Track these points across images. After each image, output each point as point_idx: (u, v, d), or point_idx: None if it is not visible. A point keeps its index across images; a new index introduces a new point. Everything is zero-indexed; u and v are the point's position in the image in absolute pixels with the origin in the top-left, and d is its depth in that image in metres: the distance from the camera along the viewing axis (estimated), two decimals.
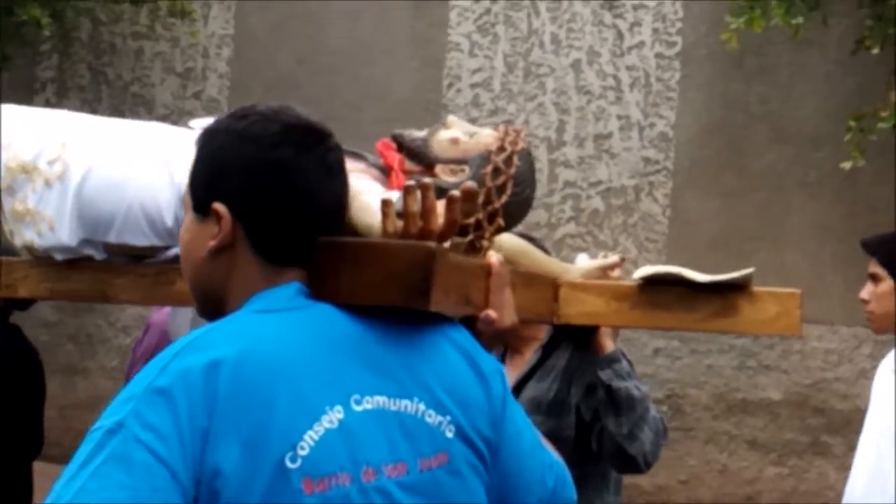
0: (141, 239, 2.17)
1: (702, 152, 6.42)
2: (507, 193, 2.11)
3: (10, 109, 2.29)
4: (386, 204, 1.59)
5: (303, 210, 1.50)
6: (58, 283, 2.20)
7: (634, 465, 2.43)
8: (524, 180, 2.15)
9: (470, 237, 2.13)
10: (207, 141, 1.55)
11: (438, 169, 2.14)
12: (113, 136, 2.23)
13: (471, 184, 1.63)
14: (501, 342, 1.76)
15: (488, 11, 6.63)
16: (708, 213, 6.38)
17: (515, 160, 2.13)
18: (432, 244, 1.50)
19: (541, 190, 6.59)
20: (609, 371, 2.47)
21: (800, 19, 5.06)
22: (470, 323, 1.73)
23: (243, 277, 1.50)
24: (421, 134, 2.21)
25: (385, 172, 2.16)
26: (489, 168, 2.12)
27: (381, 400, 1.45)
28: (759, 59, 6.27)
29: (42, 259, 2.22)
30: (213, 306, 1.53)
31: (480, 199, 2.11)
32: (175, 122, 6.73)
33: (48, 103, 6.73)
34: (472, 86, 6.65)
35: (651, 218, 6.51)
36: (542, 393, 2.63)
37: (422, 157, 2.16)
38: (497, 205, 2.11)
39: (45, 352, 7.02)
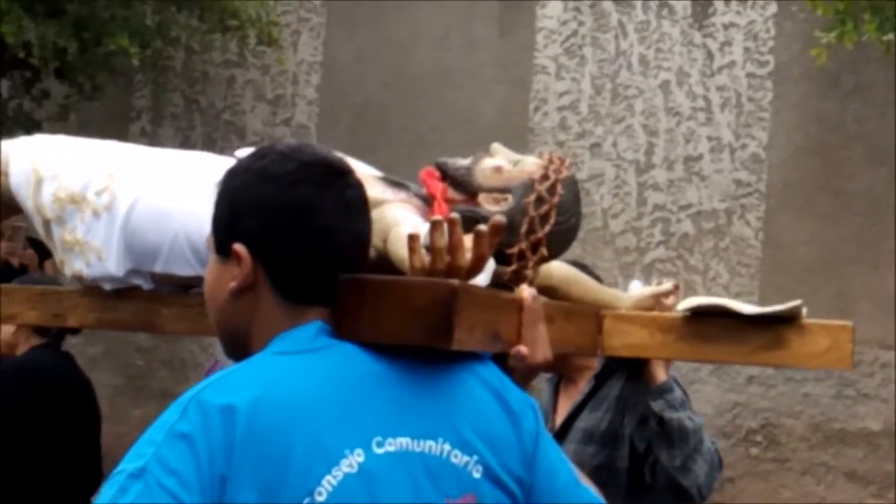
0: (186, 269, 2.18)
1: (796, 174, 6.26)
2: (551, 223, 2.08)
3: (59, 140, 2.33)
4: (412, 239, 1.57)
5: (322, 248, 1.49)
6: (105, 313, 2.22)
7: (688, 498, 2.37)
8: (569, 209, 2.11)
9: (514, 267, 2.10)
10: (228, 181, 1.55)
11: (481, 198, 2.12)
12: (159, 167, 2.25)
13: (499, 218, 1.60)
14: (535, 377, 1.73)
15: (575, 33, 6.58)
16: (802, 236, 6.22)
17: (559, 189, 2.10)
18: (454, 282, 1.47)
19: (629, 214, 6.51)
20: (661, 401, 2.42)
21: (891, 35, 4.90)
22: (503, 358, 1.70)
23: (265, 317, 1.49)
24: (465, 162, 2.18)
25: (427, 202, 2.14)
26: (532, 197, 2.09)
27: (404, 441, 1.43)
28: (854, 77, 6.11)
29: (91, 289, 2.25)
30: (237, 347, 1.53)
31: (524, 228, 2.08)
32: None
33: (143, 132, 6.88)
34: (559, 109, 6.61)
35: (743, 242, 6.37)
36: (595, 423, 2.59)
37: (465, 186, 2.14)
38: (540, 234, 2.08)
39: (140, 377, 7.15)
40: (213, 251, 1.55)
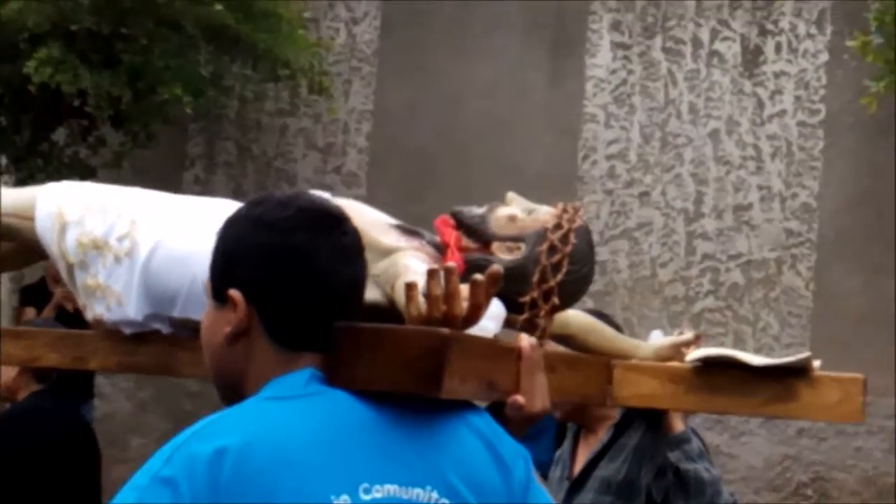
0: None
1: (847, 223, 6.19)
2: (563, 272, 2.07)
3: (84, 186, 2.38)
4: (410, 287, 1.57)
5: (316, 295, 1.50)
6: (125, 357, 2.25)
7: None
8: (581, 258, 2.10)
9: (525, 315, 2.10)
10: (226, 228, 1.57)
11: (495, 246, 2.12)
12: (179, 213, 2.28)
13: (497, 267, 1.60)
14: (530, 427, 1.73)
15: (624, 82, 6.59)
16: (854, 287, 6.13)
17: (572, 238, 2.09)
18: (446, 331, 1.48)
19: (678, 263, 6.47)
20: (678, 452, 2.41)
21: None
22: (501, 406, 1.69)
23: (259, 363, 1.50)
24: (480, 211, 2.19)
25: (441, 250, 2.14)
26: (545, 246, 2.09)
27: (391, 489, 1.43)
28: None
29: (112, 332, 2.28)
30: (232, 391, 1.54)
31: (535, 277, 2.07)
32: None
33: (197, 179, 6.99)
34: (608, 157, 6.60)
35: (794, 292, 6.30)
36: (613, 473, 2.57)
37: (479, 235, 2.14)
38: (552, 283, 2.07)
39: (189, 421, 7.20)
40: (209, 296, 1.57)
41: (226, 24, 5.85)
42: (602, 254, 6.59)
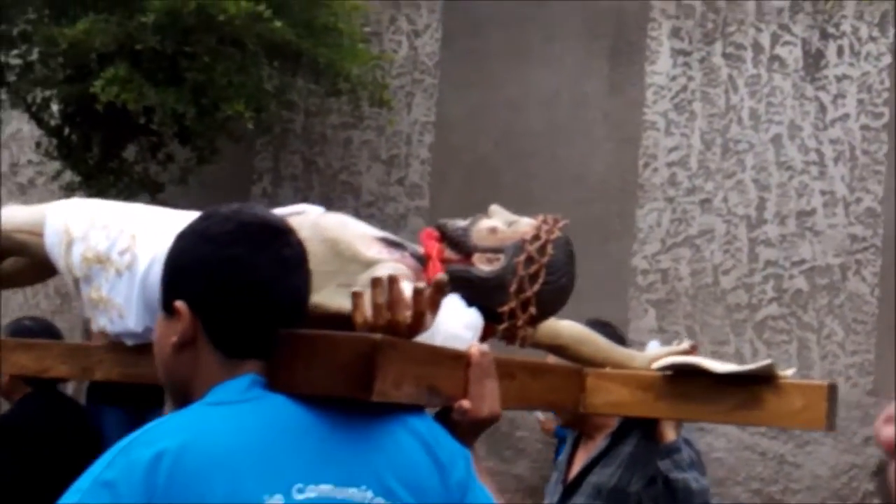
0: None
1: None
2: (540, 282, 2.11)
3: (90, 203, 2.48)
4: (356, 296, 1.64)
5: (258, 305, 1.57)
6: (128, 367, 2.34)
7: None
8: (559, 269, 2.14)
9: (505, 325, 2.14)
10: (176, 242, 1.65)
11: (476, 258, 2.17)
12: (177, 228, 2.36)
13: (442, 276, 1.66)
14: (481, 432, 1.77)
15: (685, 89, 6.55)
16: None
17: (549, 249, 2.13)
18: (377, 336, 1.53)
19: (741, 270, 6.40)
20: (668, 461, 2.43)
21: None
22: (449, 411, 1.74)
23: (205, 371, 1.58)
24: (463, 223, 2.24)
25: (424, 262, 2.19)
26: (522, 257, 2.13)
27: (325, 489, 1.49)
28: None
29: (116, 344, 2.37)
30: (181, 398, 1.62)
31: (513, 287, 2.11)
32: (381, 209, 6.98)
33: (265, 192, 7.12)
34: (669, 164, 6.57)
35: (859, 298, 6.19)
36: (605, 479, 2.61)
37: (461, 246, 2.19)
38: (529, 293, 2.11)
39: None
40: (160, 308, 1.64)
41: (287, 39, 5.96)
42: (664, 262, 6.55)
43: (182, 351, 1.59)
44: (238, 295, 1.56)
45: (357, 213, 7.00)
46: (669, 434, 2.47)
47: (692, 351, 2.42)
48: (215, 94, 5.89)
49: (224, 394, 1.54)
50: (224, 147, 6.44)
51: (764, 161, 6.39)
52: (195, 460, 1.43)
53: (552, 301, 2.15)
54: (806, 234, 6.30)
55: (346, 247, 2.16)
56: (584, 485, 2.63)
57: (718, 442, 6.37)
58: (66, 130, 6.27)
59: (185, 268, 1.60)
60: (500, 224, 2.21)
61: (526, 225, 2.19)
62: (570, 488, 2.65)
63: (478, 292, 2.13)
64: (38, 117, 6.23)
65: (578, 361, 2.34)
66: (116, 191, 6.15)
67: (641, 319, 6.58)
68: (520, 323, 2.12)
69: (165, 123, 5.96)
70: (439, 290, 1.63)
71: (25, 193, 6.97)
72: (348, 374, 1.50)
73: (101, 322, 2.35)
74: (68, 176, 6.29)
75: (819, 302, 6.25)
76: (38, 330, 3.58)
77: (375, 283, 1.61)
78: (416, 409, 1.62)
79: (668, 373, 1.97)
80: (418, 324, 1.62)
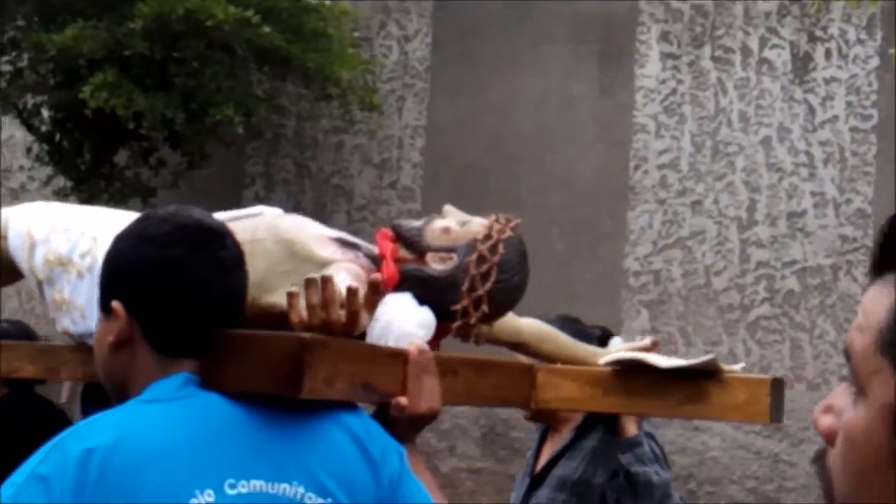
0: None
1: None
2: (492, 281, 2.14)
3: (53, 206, 2.51)
4: (291, 296, 1.67)
5: (192, 305, 1.60)
6: (91, 367, 2.35)
7: None
8: (511, 268, 2.17)
9: (458, 323, 2.16)
10: (114, 244, 1.69)
11: (429, 257, 2.19)
12: None
13: (375, 276, 1.69)
14: (420, 427, 1.80)
15: (674, 92, 6.57)
16: None
17: (501, 248, 2.16)
18: (306, 335, 1.56)
19: (732, 271, 6.42)
20: (630, 455, 2.47)
21: None
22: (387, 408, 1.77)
23: (141, 369, 1.62)
24: (417, 223, 2.27)
25: (377, 262, 2.22)
26: (474, 256, 2.16)
27: (257, 484, 1.52)
28: None
29: (81, 344, 2.40)
30: (119, 395, 1.65)
31: (465, 286, 2.14)
32: (373, 212, 7.02)
33: (257, 197, 7.15)
34: (659, 167, 6.59)
35: (850, 298, 6.20)
36: (570, 472, 2.66)
37: (415, 246, 2.22)
38: (481, 291, 2.14)
39: None
40: (100, 308, 1.68)
41: (276, 45, 6.00)
42: (655, 263, 6.58)
43: (119, 350, 1.63)
44: (173, 295, 1.59)
45: (349, 217, 7.05)
46: (630, 428, 2.51)
47: (653, 347, 2.45)
48: (204, 99, 5.94)
49: (158, 392, 1.57)
50: (215, 152, 6.48)
51: (754, 163, 6.41)
52: (127, 456, 1.46)
53: (505, 299, 2.17)
54: (797, 235, 6.32)
55: (301, 247, 2.19)
56: (550, 477, 2.68)
57: (713, 441, 6.39)
58: (57, 136, 6.31)
59: (121, 268, 1.64)
60: (453, 224, 2.23)
61: (478, 225, 2.22)
62: (536, 481, 2.70)
63: (431, 291, 2.15)
64: (28, 123, 6.28)
65: (540, 359, 2.37)
66: (108, 195, 6.20)
67: (634, 321, 6.60)
68: (473, 321, 2.15)
69: (155, 128, 6.01)
70: (374, 290, 1.67)
71: (18, 198, 6.99)
72: (279, 372, 1.54)
73: (65, 323, 2.38)
74: (60, 181, 6.33)
75: (811, 302, 6.27)
76: (15, 333, 3.61)
77: (309, 283, 1.64)
78: (350, 406, 1.66)
79: (617, 368, 2.00)
80: (353, 323, 1.65)
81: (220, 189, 6.83)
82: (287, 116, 6.88)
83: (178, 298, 1.59)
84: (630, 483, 2.43)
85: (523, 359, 2.51)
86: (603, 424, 2.63)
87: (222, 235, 1.65)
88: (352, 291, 1.62)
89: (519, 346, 2.48)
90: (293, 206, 7.13)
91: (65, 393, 5.88)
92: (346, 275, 2.11)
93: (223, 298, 1.62)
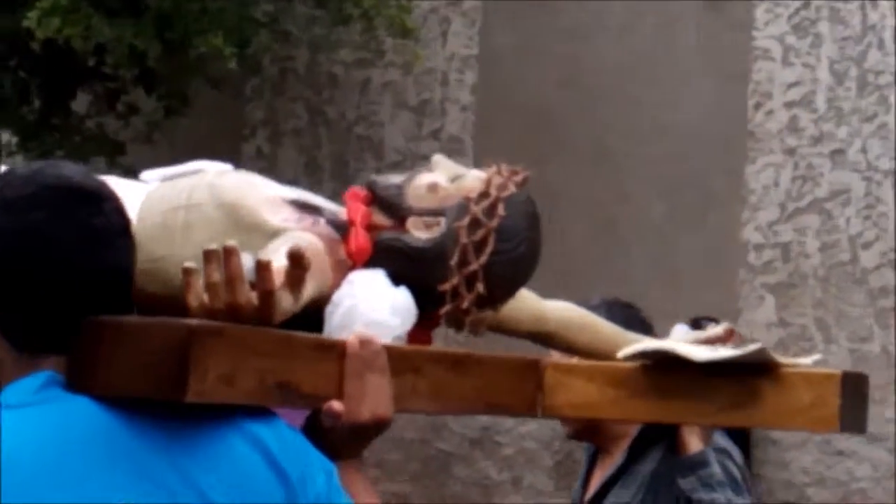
0: None
1: None
2: (488, 251, 2.15)
3: None
4: (187, 273, 1.68)
5: (56, 285, 1.63)
6: None
7: None
8: (514, 234, 2.17)
9: (447, 307, 2.19)
10: None
11: (410, 223, 2.21)
12: None
13: (296, 246, 1.70)
14: (366, 440, 1.84)
15: (807, 5, 6.53)
16: None
17: (500, 209, 2.16)
18: (192, 322, 1.59)
19: (886, 243, 6.38)
20: (692, 478, 2.49)
21: None
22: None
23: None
24: (398, 180, 2.28)
25: (345, 229, 2.25)
26: (465, 220, 2.17)
27: None
28: None
29: None
30: None
31: (455, 259, 2.16)
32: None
33: (259, 153, 7.23)
34: (788, 105, 6.56)
35: None
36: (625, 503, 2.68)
37: (394, 209, 2.24)
38: (475, 266, 2.15)
39: None
40: None
41: None
42: (783, 234, 6.55)
43: None
44: (32, 274, 1.62)
45: None
46: (693, 444, 2.52)
47: (729, 337, 2.46)
48: (185, 26, 5.98)
49: (12, 395, 1.60)
50: (201, 95, 6.56)
51: None
52: None
53: (507, 276, 2.18)
54: None
55: (248, 213, 2.21)
56: None
57: (861, 469, 6.36)
58: None
59: None
60: (441, 180, 2.24)
61: (474, 180, 2.23)
62: None
63: (411, 266, 2.16)
64: None
65: (574, 353, 2.38)
66: (64, 152, 6.28)
67: (756, 310, 6.59)
68: (465, 304, 2.17)
69: (122, 65, 6.06)
70: (296, 264, 1.67)
71: None
72: (159, 369, 1.55)
73: None
74: (1, 136, 6.45)
75: None
76: None
77: (208, 256, 1.65)
78: (262, 412, 1.69)
79: (645, 363, 2.01)
80: (267, 306, 1.66)
81: (209, 143, 6.90)
82: (296, 46, 6.93)
83: (37, 278, 1.62)
84: None
85: (558, 356, 2.53)
86: (664, 441, 2.64)
87: (98, 199, 1.67)
88: (262, 266, 1.63)
89: (544, 337, 2.50)
90: (307, 164, 7.21)
91: None
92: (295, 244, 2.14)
93: (96, 278, 1.64)
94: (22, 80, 6.44)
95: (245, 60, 6.29)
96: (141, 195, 2.35)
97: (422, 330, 2.29)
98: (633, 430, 2.75)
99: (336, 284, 2.17)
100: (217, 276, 1.64)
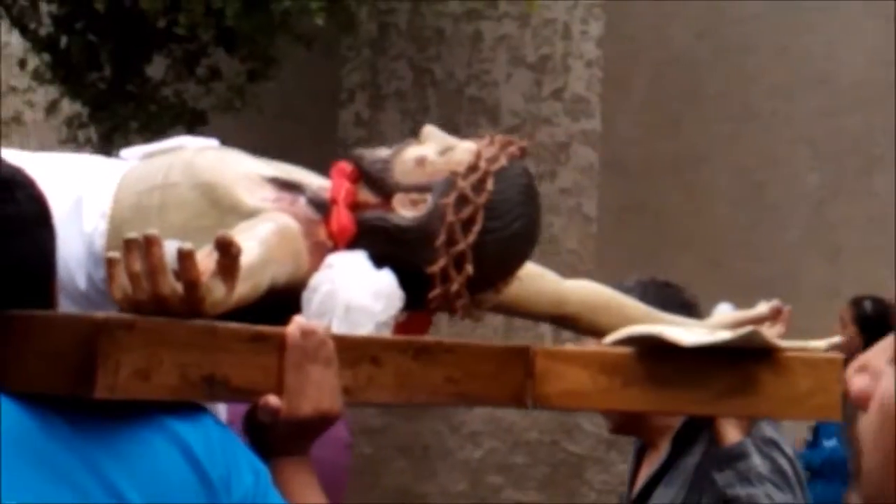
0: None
1: None
2: (477, 230, 2.24)
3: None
4: (110, 263, 1.80)
5: None
6: None
7: None
8: (507, 210, 2.26)
9: (437, 291, 2.29)
10: None
11: (396, 200, 2.31)
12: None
13: (223, 233, 1.80)
14: (310, 436, 1.93)
15: None
16: None
17: (489, 184, 2.26)
18: (100, 315, 1.71)
19: None
20: (729, 473, 2.54)
21: None
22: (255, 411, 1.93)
23: None
24: (385, 154, 2.39)
25: (327, 208, 2.36)
26: (452, 196, 2.27)
27: None
28: None
29: None
30: None
31: (441, 238, 2.26)
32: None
33: (359, 119, 7.35)
34: None
35: None
36: (670, 502, 2.73)
37: (380, 185, 2.34)
38: (462, 245, 2.25)
39: (369, 468, 7.57)
40: None
41: None
42: None
43: None
44: None
45: None
46: (731, 434, 2.56)
47: (774, 316, 2.52)
48: None
49: None
50: (290, 56, 6.69)
51: None
52: None
53: (500, 255, 2.26)
54: None
55: (225, 193, 2.33)
56: None
57: None
58: (63, 41, 6.56)
59: None
60: (430, 153, 2.34)
61: (465, 152, 2.32)
62: None
63: (397, 247, 2.26)
64: (22, 24, 6.57)
65: (599, 336, 2.44)
66: (139, 124, 6.46)
67: None
68: (454, 287, 2.26)
69: (199, 25, 6.18)
70: (224, 251, 1.77)
71: (10, 136, 7.30)
72: (67, 365, 1.66)
73: None
74: (69, 107, 6.62)
75: None
76: None
77: (128, 244, 1.76)
78: (188, 409, 1.80)
79: (637, 351, 2.08)
80: (194, 297, 1.76)
81: (301, 109, 7.07)
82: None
83: None
84: None
85: (591, 342, 2.62)
86: (707, 432, 2.69)
87: (11, 186, 1.81)
88: (184, 255, 1.73)
89: (565, 319, 2.59)
90: (412, 130, 7.30)
91: None
92: (264, 229, 2.26)
93: (7, 268, 1.78)
94: (91, 45, 6.59)
95: (337, 16, 6.38)
96: (117, 175, 2.49)
97: (419, 316, 2.40)
98: (677, 422, 2.81)
99: (314, 268, 2.28)
100: (137, 266, 1.74)
